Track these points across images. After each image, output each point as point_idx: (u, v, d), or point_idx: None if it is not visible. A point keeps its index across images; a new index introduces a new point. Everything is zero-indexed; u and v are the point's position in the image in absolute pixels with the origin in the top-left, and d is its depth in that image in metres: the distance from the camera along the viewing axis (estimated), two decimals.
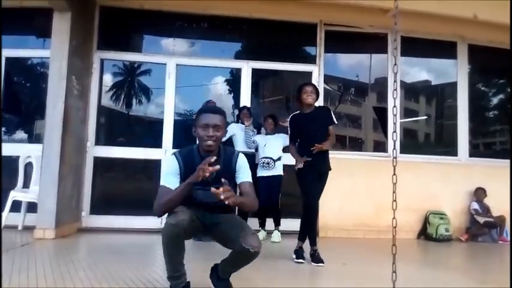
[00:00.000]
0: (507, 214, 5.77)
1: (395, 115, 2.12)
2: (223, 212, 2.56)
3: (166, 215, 2.40)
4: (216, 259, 2.72)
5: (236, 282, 2.70)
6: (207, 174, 2.26)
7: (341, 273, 3.66)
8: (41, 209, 4.58)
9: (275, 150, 5.19)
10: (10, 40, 5.44)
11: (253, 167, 5.10)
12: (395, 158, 2.01)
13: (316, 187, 3.92)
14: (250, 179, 2.57)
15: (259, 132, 5.45)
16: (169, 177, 2.46)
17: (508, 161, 6.02)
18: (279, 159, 5.14)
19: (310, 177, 3.86)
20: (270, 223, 5.22)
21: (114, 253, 3.95)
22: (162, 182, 2.45)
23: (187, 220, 2.31)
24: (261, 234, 5.08)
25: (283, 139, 5.05)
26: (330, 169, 4.00)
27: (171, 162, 2.51)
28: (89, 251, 4.31)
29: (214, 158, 2.31)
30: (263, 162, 5.09)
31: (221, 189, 2.16)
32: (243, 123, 5.26)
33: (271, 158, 5.09)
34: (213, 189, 2.16)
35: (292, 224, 5.00)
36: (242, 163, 2.58)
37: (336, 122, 4.08)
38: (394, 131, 2.06)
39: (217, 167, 2.28)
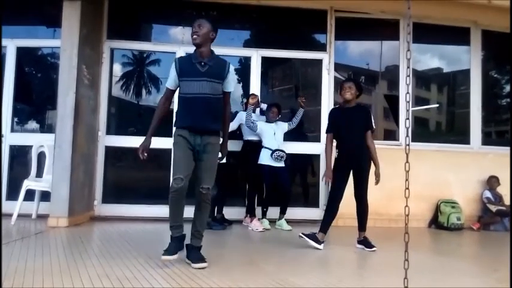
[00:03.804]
0: None
1: (408, 102, 2.09)
2: (214, 134, 3.21)
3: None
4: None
5: (246, 267, 2.72)
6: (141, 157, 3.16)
7: (352, 261, 3.66)
8: (54, 198, 4.64)
9: (282, 139, 5.20)
10: (21, 30, 5.48)
11: (258, 153, 5.11)
12: (408, 145, 1.99)
13: (345, 181, 4.06)
14: (232, 89, 3.32)
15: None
16: (169, 81, 3.23)
17: None
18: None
19: (341, 171, 4.03)
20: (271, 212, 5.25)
21: (126, 241, 3.99)
22: (166, 84, 3.28)
23: (183, 185, 3.01)
24: (265, 223, 5.09)
25: (285, 127, 5.24)
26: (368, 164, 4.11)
27: (172, 67, 3.21)
28: (102, 238, 4.36)
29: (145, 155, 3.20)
30: (277, 156, 5.01)
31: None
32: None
33: (283, 151, 5.05)
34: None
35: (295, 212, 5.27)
36: (232, 74, 3.26)
37: (374, 127, 4.17)
38: (407, 118, 2.03)
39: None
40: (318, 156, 5.72)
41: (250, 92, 5.59)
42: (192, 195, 3.16)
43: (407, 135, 2.04)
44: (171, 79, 3.21)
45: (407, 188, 1.98)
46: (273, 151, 5.04)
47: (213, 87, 3.13)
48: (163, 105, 3.26)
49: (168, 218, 3.14)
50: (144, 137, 3.17)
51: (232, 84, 3.29)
